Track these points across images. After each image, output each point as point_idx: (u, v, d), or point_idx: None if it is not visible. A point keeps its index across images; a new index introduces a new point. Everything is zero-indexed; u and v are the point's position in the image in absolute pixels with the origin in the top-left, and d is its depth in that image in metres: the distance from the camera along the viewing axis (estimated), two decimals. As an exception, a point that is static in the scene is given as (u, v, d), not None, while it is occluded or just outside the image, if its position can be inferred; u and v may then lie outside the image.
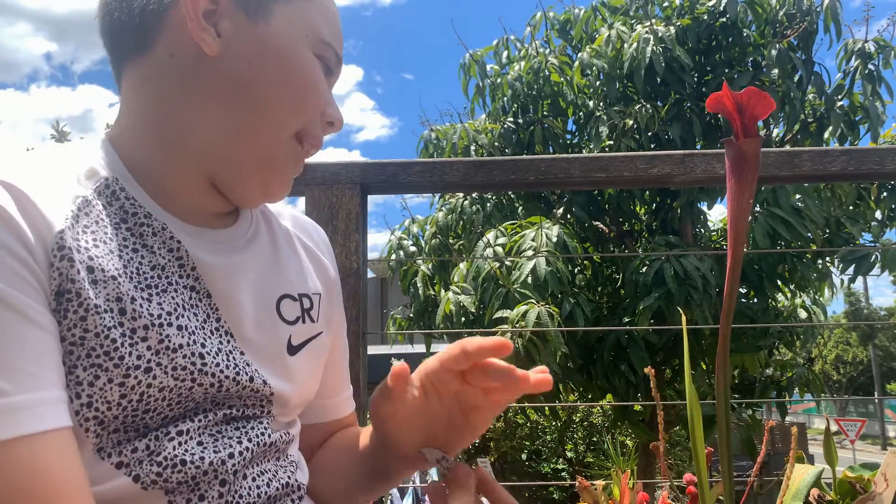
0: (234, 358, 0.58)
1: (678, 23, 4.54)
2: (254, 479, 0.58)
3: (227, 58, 0.57)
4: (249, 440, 0.58)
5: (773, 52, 4.37)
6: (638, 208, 5.17)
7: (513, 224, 4.37)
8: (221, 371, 0.56)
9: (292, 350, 0.64)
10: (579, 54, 4.87)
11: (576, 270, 4.92)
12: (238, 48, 0.57)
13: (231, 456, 0.55)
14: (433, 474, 5.70)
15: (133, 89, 0.60)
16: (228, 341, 0.58)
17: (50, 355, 0.46)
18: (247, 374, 0.58)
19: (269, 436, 0.60)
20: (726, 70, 4.70)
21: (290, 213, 0.74)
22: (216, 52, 0.57)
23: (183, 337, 0.53)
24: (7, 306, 0.44)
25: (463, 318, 4.08)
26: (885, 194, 4.42)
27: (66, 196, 0.52)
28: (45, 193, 0.50)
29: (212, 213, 0.62)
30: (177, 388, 0.53)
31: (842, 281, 4.71)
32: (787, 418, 4.93)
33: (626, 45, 4.46)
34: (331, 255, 0.75)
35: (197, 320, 0.56)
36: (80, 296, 0.48)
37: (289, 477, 0.62)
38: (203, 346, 0.55)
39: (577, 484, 0.70)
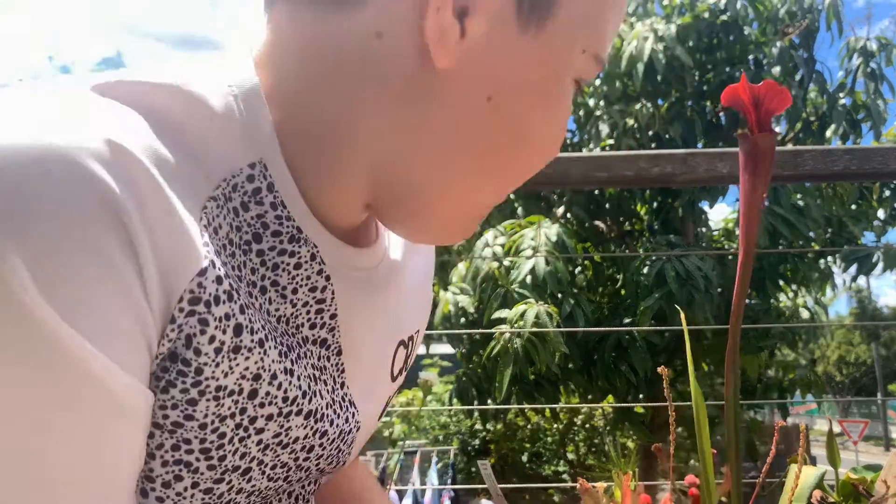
0: (351, 435, 0.43)
1: (679, 21, 4.53)
2: None
3: (459, 75, 0.37)
4: None
5: (775, 50, 4.36)
6: (639, 208, 5.17)
7: (512, 223, 4.36)
8: (318, 464, 0.42)
9: (380, 416, 0.51)
10: (579, 53, 4.87)
11: (576, 270, 4.91)
12: (484, 67, 0.37)
13: None
14: (433, 476, 5.68)
15: (307, 45, 0.38)
16: (353, 415, 0.43)
17: (135, 464, 0.32)
18: (340, 459, 0.44)
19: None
20: (727, 68, 4.69)
21: None
22: (449, 64, 0.36)
23: (306, 427, 0.39)
24: (111, 400, 0.28)
25: (462, 319, 4.07)
26: (887, 193, 4.41)
27: (203, 185, 0.34)
28: (176, 179, 0.31)
29: (350, 225, 0.43)
30: (266, 490, 0.39)
31: (844, 281, 4.70)
32: (790, 419, 4.92)
33: (626, 44, 4.45)
34: (432, 274, 0.59)
35: (327, 394, 0.41)
36: (201, 373, 0.32)
37: None
38: (324, 433, 0.40)
39: (579, 486, 0.69)
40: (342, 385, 0.42)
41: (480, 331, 4.00)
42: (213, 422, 0.34)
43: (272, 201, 0.36)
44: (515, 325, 3.55)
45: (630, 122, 4.48)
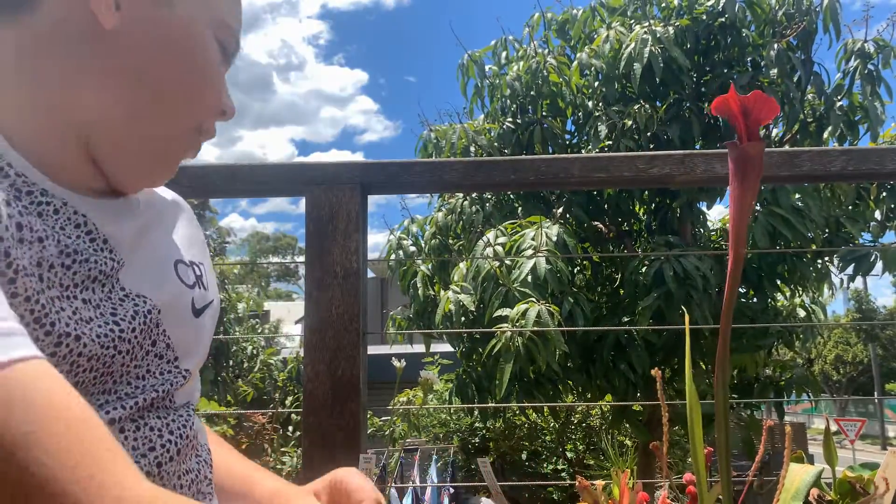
0: (150, 319, 0.55)
1: (677, 23, 4.54)
2: (179, 478, 0.55)
3: (125, 35, 0.53)
4: (171, 432, 0.55)
5: (773, 53, 4.37)
6: (637, 208, 5.18)
7: (513, 223, 4.37)
8: (136, 337, 0.52)
9: (197, 313, 0.61)
10: (578, 55, 4.88)
11: (575, 270, 4.92)
12: (138, 26, 0.53)
13: (152, 450, 0.53)
14: (433, 474, 5.69)
15: (9, 50, 0.52)
16: (145, 302, 0.55)
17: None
18: (163, 340, 0.56)
19: (191, 428, 0.57)
20: (725, 70, 4.70)
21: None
22: (113, 25, 0.52)
23: (93, 308, 0.50)
24: None
25: (462, 318, 4.08)
26: (884, 194, 4.43)
27: None
28: None
29: (98, 189, 0.57)
30: (101, 358, 0.49)
31: (841, 281, 4.72)
32: (788, 418, 4.94)
33: (624, 46, 4.47)
34: (200, 227, 0.74)
35: (103, 291, 0.52)
36: (9, 255, 0.42)
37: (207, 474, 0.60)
38: (114, 314, 0.51)
39: (577, 484, 0.70)
40: (122, 288, 0.54)
41: (482, 329, 4.02)
42: (33, 295, 0.44)
43: (15, 173, 0.49)
44: (517, 324, 3.57)
45: (628, 123, 4.50)
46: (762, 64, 4.60)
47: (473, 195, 4.92)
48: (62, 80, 0.52)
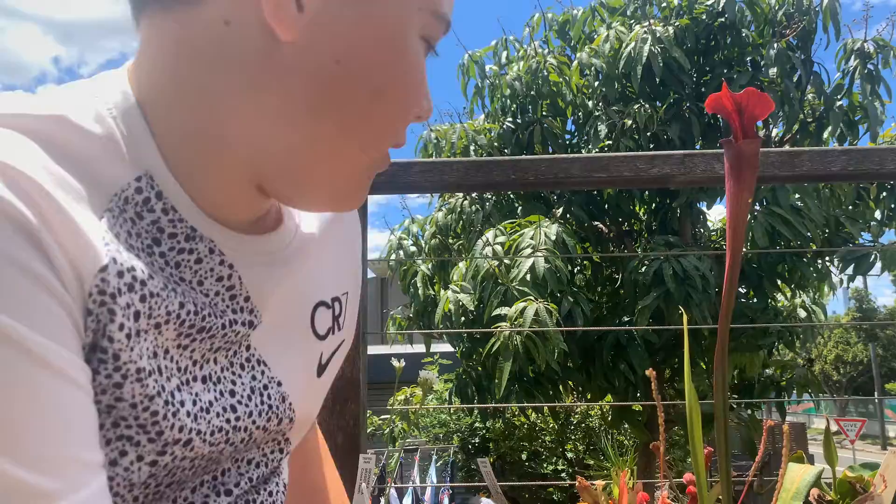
0: (268, 395, 0.47)
1: (676, 23, 4.54)
2: None
3: (307, 46, 0.40)
4: None
5: (772, 52, 4.37)
6: (637, 208, 5.18)
7: (512, 223, 4.37)
8: (254, 421, 0.45)
9: (320, 370, 0.53)
10: (578, 54, 4.88)
11: (575, 270, 4.92)
12: (325, 36, 0.40)
13: None
14: (433, 474, 5.70)
15: (167, 49, 0.41)
16: (263, 372, 0.47)
17: (94, 425, 0.35)
18: (277, 414, 0.47)
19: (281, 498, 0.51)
20: (725, 70, 4.70)
21: None
22: (293, 37, 0.39)
23: (212, 387, 0.43)
24: (48, 368, 0.32)
25: (462, 318, 4.09)
26: (884, 194, 4.43)
27: (97, 200, 0.37)
28: (71, 193, 0.35)
29: (252, 219, 0.47)
30: (208, 455, 0.42)
31: (841, 280, 4.72)
32: (788, 418, 4.94)
33: (624, 45, 4.47)
34: (360, 241, 0.63)
35: (226, 358, 0.44)
36: (119, 359, 0.36)
37: None
38: (233, 393, 0.44)
39: (577, 484, 0.70)
40: (254, 356, 0.46)
41: (481, 329, 4.02)
42: (142, 402, 0.37)
43: (163, 207, 0.40)
44: (515, 323, 3.57)
45: (628, 122, 4.50)
46: (762, 63, 4.60)
47: (473, 195, 4.92)
48: (225, 100, 0.41)
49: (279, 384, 0.47)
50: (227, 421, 0.43)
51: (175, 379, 0.40)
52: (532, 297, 3.68)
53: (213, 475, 0.45)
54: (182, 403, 0.40)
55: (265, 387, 0.46)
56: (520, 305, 3.64)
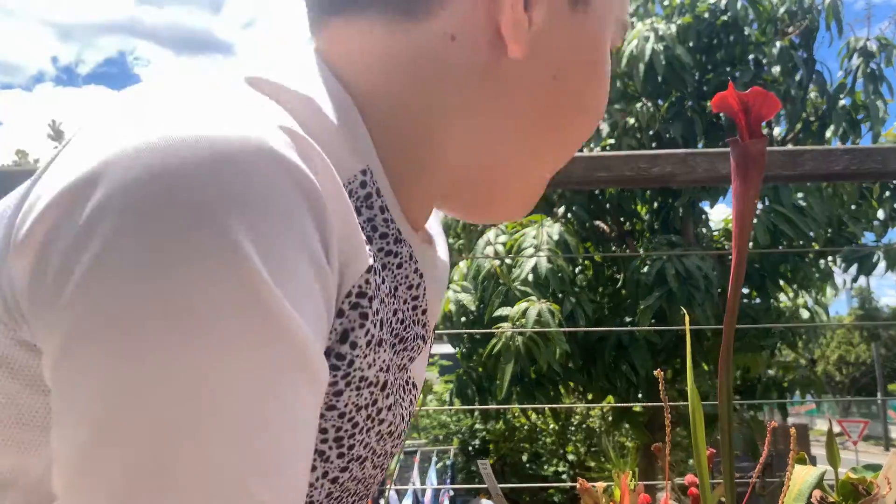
0: (405, 415, 0.43)
1: (679, 21, 4.53)
2: None
3: (528, 62, 0.39)
4: None
5: (775, 51, 4.37)
6: (639, 208, 5.17)
7: (513, 223, 4.37)
8: (394, 444, 0.42)
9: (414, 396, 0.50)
10: (580, 53, 4.87)
11: (577, 270, 4.92)
12: (547, 50, 0.40)
13: None
14: (432, 476, 5.69)
15: (378, 55, 0.39)
16: (413, 396, 0.44)
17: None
18: (401, 433, 0.44)
19: None
20: (727, 68, 4.69)
21: None
22: (524, 53, 0.38)
23: (387, 412, 0.39)
24: (311, 374, 0.29)
25: (463, 318, 4.08)
26: (887, 193, 4.42)
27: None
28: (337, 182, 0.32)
29: (424, 221, 0.45)
30: (364, 479, 0.40)
31: (844, 280, 4.71)
32: (790, 419, 4.93)
33: (626, 44, 4.46)
34: None
35: (398, 381, 0.42)
36: (352, 366, 0.34)
37: None
38: (400, 418, 0.41)
39: (578, 486, 0.69)
40: (411, 379, 0.44)
41: (483, 330, 4.01)
42: (350, 411, 0.35)
43: (380, 205, 0.38)
44: (517, 323, 3.56)
45: (631, 121, 4.49)
46: (764, 62, 4.59)
47: (474, 195, 4.92)
48: (440, 115, 0.40)
49: (411, 402, 0.44)
50: (386, 443, 0.40)
51: (393, 397, 0.38)
52: (534, 298, 3.67)
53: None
54: (382, 421, 0.37)
55: (409, 413, 0.44)
56: (522, 306, 3.63)
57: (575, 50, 0.41)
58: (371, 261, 0.34)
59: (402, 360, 0.40)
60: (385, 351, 0.36)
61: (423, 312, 0.42)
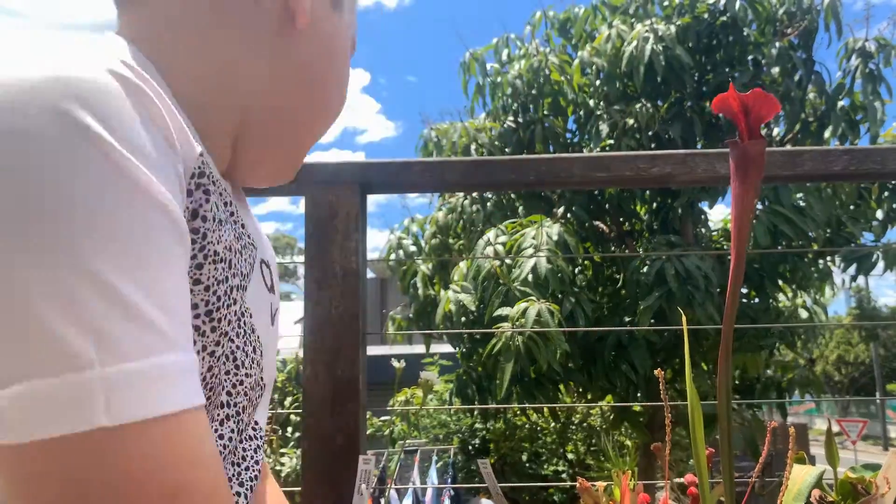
0: (257, 348, 0.51)
1: (678, 21, 4.54)
2: None
3: (308, 37, 0.52)
4: (257, 459, 0.51)
5: (774, 51, 4.37)
6: (639, 208, 5.17)
7: (513, 223, 4.37)
8: (247, 344, 0.48)
9: (272, 320, 0.57)
10: (579, 53, 4.87)
11: (576, 270, 4.92)
12: (318, 33, 0.52)
13: (248, 470, 0.49)
14: (433, 475, 5.69)
15: (189, 9, 0.47)
16: (253, 329, 0.51)
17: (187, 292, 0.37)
18: (258, 349, 0.51)
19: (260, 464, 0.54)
20: (727, 69, 4.69)
21: None
22: (305, 24, 0.51)
23: (244, 305, 0.47)
24: (180, 234, 0.35)
25: (463, 318, 4.08)
26: (886, 194, 4.42)
27: None
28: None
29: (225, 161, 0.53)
30: (239, 364, 0.46)
31: (843, 280, 4.72)
32: (789, 419, 4.93)
33: (626, 44, 4.46)
34: None
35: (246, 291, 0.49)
36: (206, 238, 0.39)
37: None
38: (248, 316, 0.48)
39: (578, 485, 0.70)
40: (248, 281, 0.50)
41: (483, 330, 4.01)
42: (213, 284, 0.40)
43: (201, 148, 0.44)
44: (517, 323, 3.56)
45: (630, 121, 4.49)
46: (763, 62, 4.59)
47: (474, 194, 4.92)
48: (244, 57, 0.49)
49: (251, 315, 0.50)
50: (252, 360, 0.47)
51: (237, 279, 0.44)
52: (534, 298, 3.67)
53: (227, 402, 0.46)
54: (235, 301, 0.43)
55: (255, 340, 0.50)
56: (522, 306, 3.64)
57: (333, 42, 0.54)
58: (199, 147, 0.40)
59: (247, 262, 0.47)
60: (227, 232, 0.43)
61: (249, 237, 0.50)
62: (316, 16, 0.52)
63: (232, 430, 0.46)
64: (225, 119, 0.49)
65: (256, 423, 0.53)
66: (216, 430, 0.44)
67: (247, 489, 0.49)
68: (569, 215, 4.74)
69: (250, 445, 0.50)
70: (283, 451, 7.17)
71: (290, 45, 0.51)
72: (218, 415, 0.45)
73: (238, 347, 0.45)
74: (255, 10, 0.49)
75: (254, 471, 0.50)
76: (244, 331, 0.46)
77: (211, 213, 0.40)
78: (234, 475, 0.48)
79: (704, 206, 4.90)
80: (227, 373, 0.44)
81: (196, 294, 0.39)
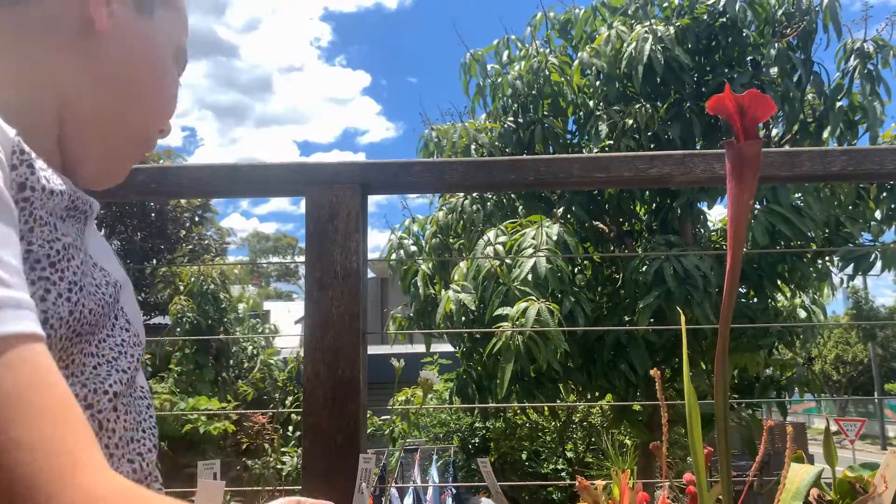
0: (116, 291, 0.57)
1: (678, 22, 4.54)
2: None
3: (112, 42, 0.57)
4: (151, 415, 0.58)
5: (773, 52, 4.37)
6: (638, 208, 5.18)
7: (513, 223, 4.37)
8: (109, 304, 0.54)
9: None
10: (579, 54, 4.88)
11: (575, 270, 4.92)
12: (123, 36, 0.57)
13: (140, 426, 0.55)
14: (433, 474, 5.70)
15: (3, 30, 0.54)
16: (108, 274, 0.57)
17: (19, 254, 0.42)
18: (122, 315, 0.57)
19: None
20: (726, 70, 4.70)
21: None
22: (106, 30, 0.56)
23: (83, 265, 0.53)
24: (4, 203, 0.40)
25: (463, 317, 4.08)
26: (884, 194, 4.42)
27: None
28: None
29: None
30: (94, 314, 0.50)
31: (841, 280, 4.72)
32: (788, 418, 4.94)
33: (625, 45, 4.46)
34: None
35: (83, 255, 0.54)
36: (33, 205, 0.45)
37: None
38: (94, 276, 0.54)
39: (577, 484, 0.70)
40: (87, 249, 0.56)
41: (483, 329, 4.02)
42: (46, 243, 0.46)
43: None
44: (517, 323, 3.57)
45: (629, 122, 4.49)
46: (762, 63, 4.59)
47: (474, 194, 4.92)
48: (52, 61, 0.54)
49: (117, 286, 0.56)
50: (99, 290, 0.52)
51: (70, 237, 0.49)
52: (534, 298, 3.68)
53: (97, 353, 0.52)
54: (72, 258, 0.49)
55: (114, 283, 0.56)
56: (522, 305, 3.64)
57: (141, 45, 0.59)
58: (13, 130, 0.45)
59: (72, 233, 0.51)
60: (53, 202, 0.47)
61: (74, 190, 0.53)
62: (118, 21, 0.57)
63: (121, 382, 0.52)
64: (44, 118, 0.55)
65: (142, 386, 0.58)
66: (104, 381, 0.51)
67: (150, 437, 0.55)
68: (568, 215, 4.74)
69: (142, 403, 0.57)
70: (283, 449, 7.16)
71: (97, 47, 0.56)
72: (98, 363, 0.51)
73: (96, 293, 0.51)
74: (60, 14, 0.54)
75: (150, 422, 0.57)
76: (99, 282, 0.52)
77: (39, 183, 0.45)
78: (135, 424, 0.54)
79: (704, 206, 4.91)
80: (92, 312, 0.49)
81: (35, 253, 0.45)
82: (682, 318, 0.62)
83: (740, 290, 4.68)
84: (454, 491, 5.49)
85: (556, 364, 3.74)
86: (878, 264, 4.34)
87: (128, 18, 0.58)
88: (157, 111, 0.62)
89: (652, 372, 0.59)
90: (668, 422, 0.63)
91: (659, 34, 4.35)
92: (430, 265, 4.88)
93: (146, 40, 0.59)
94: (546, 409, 5.47)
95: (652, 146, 4.50)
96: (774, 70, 4.40)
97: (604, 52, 4.60)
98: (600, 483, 0.72)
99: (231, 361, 8.76)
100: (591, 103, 4.98)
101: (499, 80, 5.09)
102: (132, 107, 0.59)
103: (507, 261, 4.01)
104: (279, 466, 6.96)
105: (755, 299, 4.75)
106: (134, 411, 0.55)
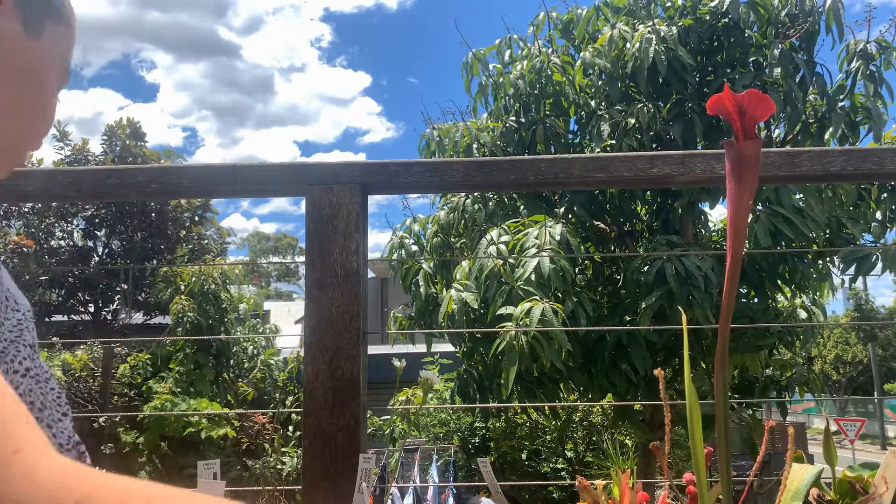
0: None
1: (680, 23, 4.53)
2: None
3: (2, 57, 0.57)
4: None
5: (775, 53, 4.36)
6: (639, 208, 5.17)
7: (515, 222, 4.38)
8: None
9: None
10: (581, 54, 4.87)
11: (577, 270, 4.92)
12: (5, 59, 0.58)
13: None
14: (434, 474, 5.70)
15: None
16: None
17: None
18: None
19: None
20: (728, 70, 4.69)
21: None
22: None
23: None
24: None
25: (465, 317, 4.08)
26: (885, 195, 4.42)
27: None
28: None
29: None
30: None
31: (842, 281, 4.71)
32: (788, 418, 4.93)
33: (628, 45, 4.46)
34: None
35: None
36: None
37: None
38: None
39: (577, 483, 0.70)
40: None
41: (486, 330, 4.02)
42: None
43: None
44: (521, 322, 3.57)
45: (631, 122, 4.49)
46: (765, 64, 4.59)
47: (476, 193, 4.92)
48: None
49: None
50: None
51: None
52: (537, 297, 3.68)
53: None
54: None
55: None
56: (526, 305, 3.64)
57: (25, 65, 0.59)
58: None
59: None
60: None
61: None
62: (5, 35, 0.57)
63: (30, 358, 0.56)
64: None
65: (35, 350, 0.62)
66: (13, 360, 0.54)
67: (60, 403, 0.59)
68: (570, 215, 4.74)
69: (42, 372, 0.60)
70: (284, 449, 7.17)
71: None
72: (4, 347, 0.54)
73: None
74: None
75: (57, 391, 0.60)
76: None
77: None
78: (42, 396, 0.57)
79: (705, 206, 4.91)
80: None
81: None
82: (684, 319, 0.62)
83: (741, 290, 4.67)
84: (454, 490, 5.49)
85: (559, 364, 3.74)
86: (879, 265, 4.34)
87: (14, 38, 0.58)
88: (31, 133, 0.62)
89: (656, 372, 0.59)
90: (670, 421, 0.62)
91: (661, 34, 4.35)
92: (432, 264, 4.89)
93: (31, 60, 0.59)
94: (546, 408, 5.47)
95: (654, 146, 4.50)
96: (777, 71, 4.40)
97: (606, 52, 4.60)
98: (600, 483, 0.72)
99: (231, 361, 8.76)
100: (592, 103, 4.98)
101: (501, 79, 5.09)
102: (10, 126, 0.59)
103: (510, 260, 4.01)
104: (279, 466, 6.96)
105: (756, 299, 4.75)
106: (42, 381, 0.58)
